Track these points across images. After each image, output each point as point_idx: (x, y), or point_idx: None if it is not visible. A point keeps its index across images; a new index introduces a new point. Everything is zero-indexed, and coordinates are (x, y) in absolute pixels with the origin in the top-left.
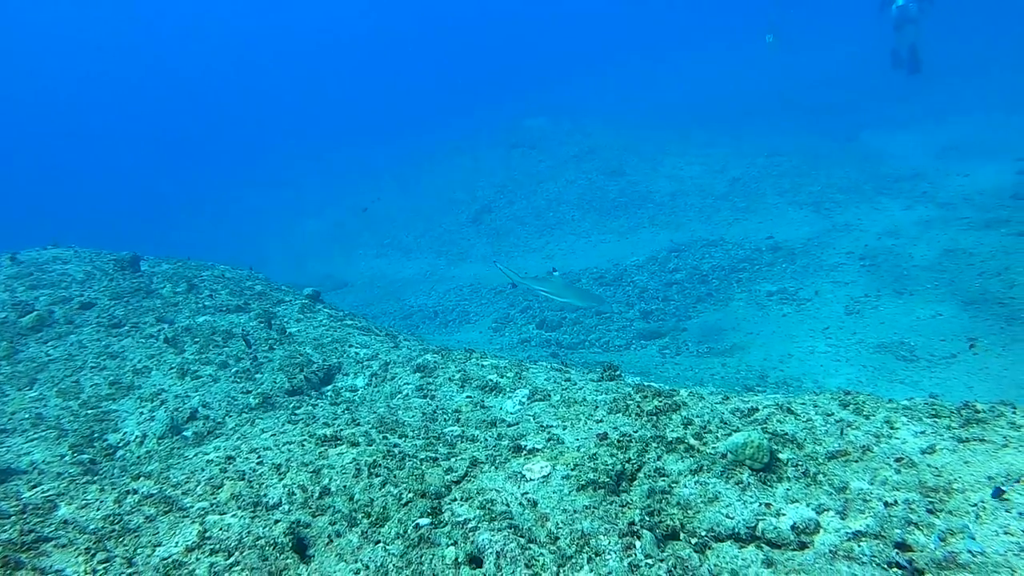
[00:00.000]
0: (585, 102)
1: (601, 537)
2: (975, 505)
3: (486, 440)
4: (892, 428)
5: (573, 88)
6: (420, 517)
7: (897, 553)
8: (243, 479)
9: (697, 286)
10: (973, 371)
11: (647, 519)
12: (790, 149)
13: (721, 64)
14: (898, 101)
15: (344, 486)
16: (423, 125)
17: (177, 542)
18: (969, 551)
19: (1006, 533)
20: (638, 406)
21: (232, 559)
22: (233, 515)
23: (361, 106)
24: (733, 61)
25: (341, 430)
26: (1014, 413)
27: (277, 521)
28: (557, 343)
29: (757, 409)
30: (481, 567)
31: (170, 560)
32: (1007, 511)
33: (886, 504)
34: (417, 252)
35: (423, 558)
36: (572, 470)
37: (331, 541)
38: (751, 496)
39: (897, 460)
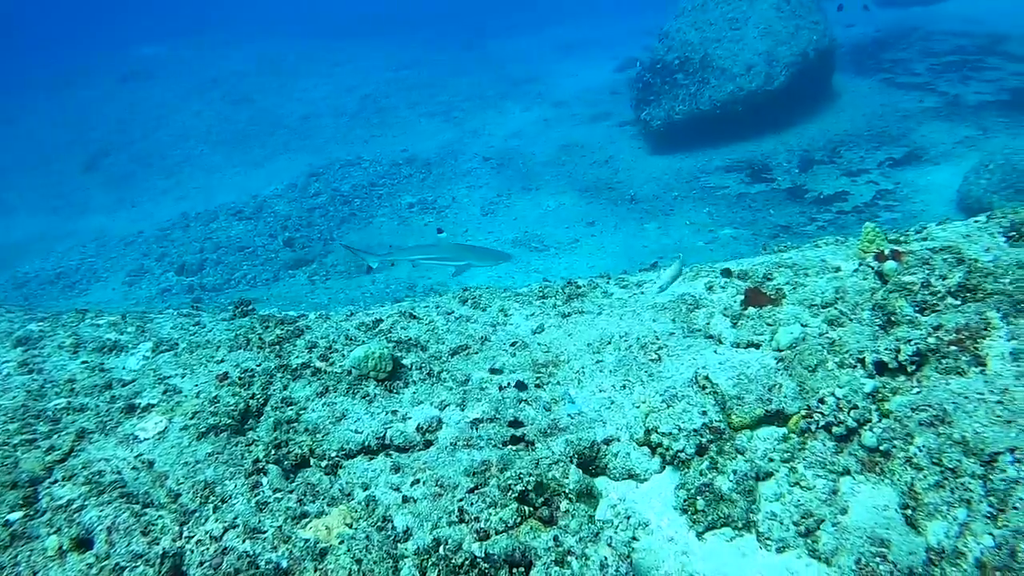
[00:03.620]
0: (202, 25)
1: (227, 482)
2: (577, 372)
3: (97, 407)
4: (506, 316)
5: (190, 8)
6: (10, 512)
7: (511, 430)
8: None
9: (340, 208)
10: (593, 251)
11: (274, 452)
12: (418, 61)
13: None
14: (517, 9)
15: None
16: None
17: None
18: (569, 414)
19: (600, 391)
20: (260, 338)
21: None
22: None
23: None
24: None
25: None
26: (607, 283)
27: None
28: (201, 287)
29: (381, 320)
30: (92, 548)
31: None
32: (600, 371)
33: (500, 388)
34: (23, 210)
35: (18, 557)
36: (191, 419)
37: None
38: (378, 407)
39: (512, 344)
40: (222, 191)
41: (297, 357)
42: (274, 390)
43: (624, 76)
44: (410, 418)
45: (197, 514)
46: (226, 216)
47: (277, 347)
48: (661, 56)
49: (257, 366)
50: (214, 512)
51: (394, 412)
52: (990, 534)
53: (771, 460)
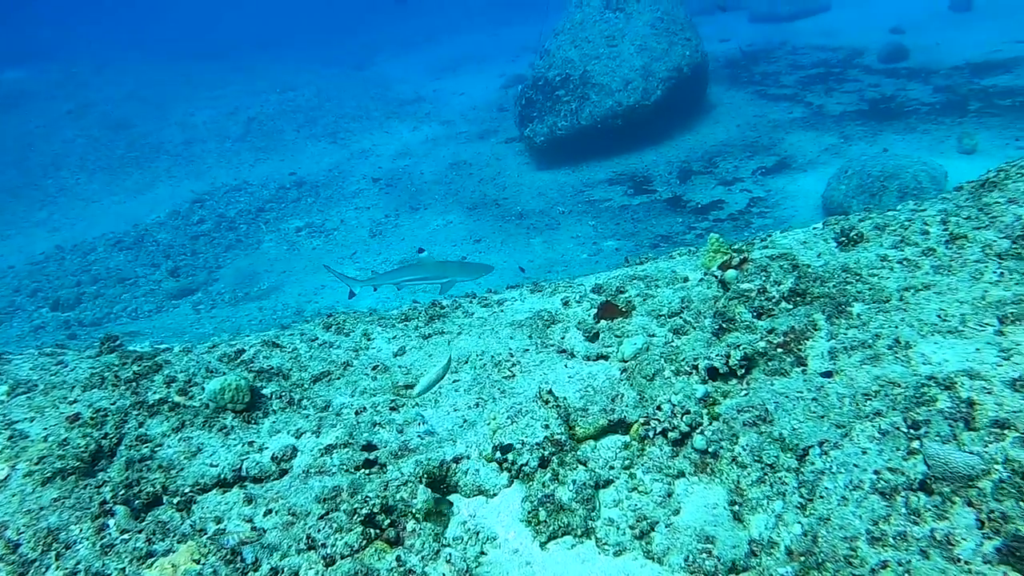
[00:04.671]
0: (67, 47)
1: (72, 527)
2: (435, 392)
3: None
4: (369, 340)
5: (53, 29)
6: None
7: (365, 454)
8: None
9: (225, 234)
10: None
11: (124, 492)
12: (305, 82)
13: None
14: (406, 28)
15: None
16: None
17: None
18: (419, 435)
19: (454, 410)
20: (116, 376)
21: None
22: None
23: None
24: None
25: None
26: (470, 302)
27: None
28: (78, 322)
29: (244, 350)
30: None
31: None
32: (456, 391)
33: (356, 412)
34: None
35: None
36: (36, 464)
37: None
38: (235, 439)
39: (373, 368)
40: (101, 221)
41: (155, 393)
42: (129, 428)
43: (511, 93)
44: (267, 448)
45: (37, 563)
46: (105, 247)
47: (134, 384)
48: (543, 73)
49: (112, 404)
50: (56, 560)
51: (251, 443)
52: (799, 523)
53: (612, 468)
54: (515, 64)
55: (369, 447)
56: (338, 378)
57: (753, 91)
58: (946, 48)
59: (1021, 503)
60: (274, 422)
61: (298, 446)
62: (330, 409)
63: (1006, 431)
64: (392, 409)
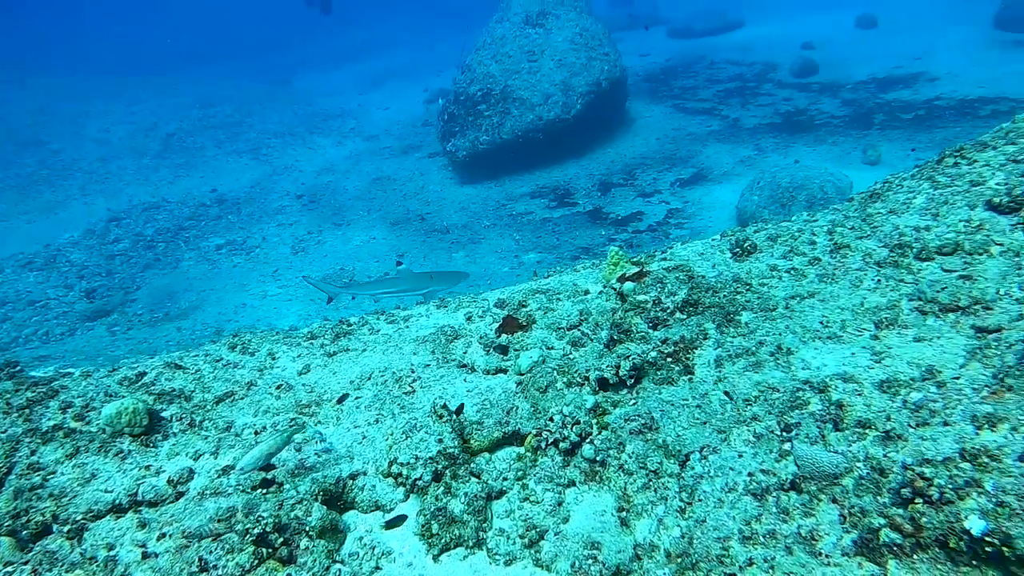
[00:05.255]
0: None
1: None
2: (337, 409)
3: None
4: (274, 359)
5: None
6: None
7: (262, 473)
8: None
9: (143, 253)
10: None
11: (10, 523)
12: (227, 97)
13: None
14: (331, 42)
15: None
16: None
17: None
18: (316, 453)
19: (355, 427)
20: (7, 403)
21: None
22: None
23: None
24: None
25: None
26: (377, 319)
27: None
28: None
29: (145, 372)
30: None
31: None
32: (357, 407)
33: (256, 432)
34: None
35: None
36: None
37: None
38: (132, 463)
39: (277, 387)
40: (9, 241)
41: (49, 419)
42: (20, 456)
43: (435, 107)
44: (164, 471)
45: None
46: (14, 268)
47: (27, 411)
48: (464, 88)
49: (2, 433)
50: None
51: (148, 467)
52: (678, 526)
53: (505, 479)
54: (440, 78)
55: (267, 467)
56: (242, 398)
57: (672, 105)
58: (853, 64)
59: (878, 497)
60: (174, 444)
61: (195, 468)
62: (231, 430)
63: (867, 430)
64: (294, 426)
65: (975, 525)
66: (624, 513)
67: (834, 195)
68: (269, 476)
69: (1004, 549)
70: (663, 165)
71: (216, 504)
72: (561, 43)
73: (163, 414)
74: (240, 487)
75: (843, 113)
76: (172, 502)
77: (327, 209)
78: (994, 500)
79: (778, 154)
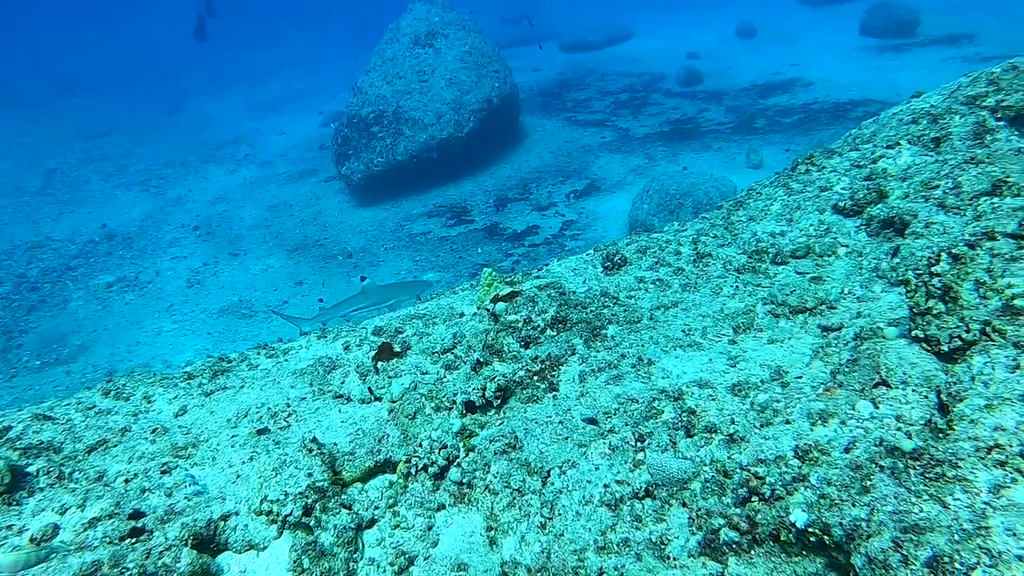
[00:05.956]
0: None
1: None
2: (213, 449)
3: None
4: (149, 402)
5: None
6: None
7: (132, 522)
8: None
9: (27, 295)
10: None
11: None
12: (113, 128)
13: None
14: (219, 67)
15: None
16: None
17: None
18: (186, 496)
19: (229, 466)
20: None
21: None
22: None
23: None
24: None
25: None
26: (257, 354)
27: None
28: None
29: (11, 427)
30: None
31: None
32: (232, 446)
33: (126, 480)
34: None
35: None
36: None
37: None
38: None
39: (153, 431)
40: None
41: None
42: None
43: (330, 131)
44: (27, 529)
45: None
46: None
47: None
48: (357, 111)
49: None
50: None
51: (10, 527)
52: (539, 541)
53: (377, 508)
54: (335, 101)
55: (136, 515)
56: (115, 445)
57: (565, 118)
58: (735, 72)
59: (722, 498)
60: (40, 500)
61: (61, 523)
62: (103, 479)
63: (714, 434)
64: (163, 472)
65: (799, 518)
66: (492, 532)
67: (718, 199)
68: (139, 524)
69: (824, 538)
70: (557, 178)
71: (81, 559)
72: (451, 62)
73: (28, 469)
74: (107, 539)
75: (728, 120)
76: (35, 562)
77: (223, 239)
78: (817, 493)
79: (668, 161)
